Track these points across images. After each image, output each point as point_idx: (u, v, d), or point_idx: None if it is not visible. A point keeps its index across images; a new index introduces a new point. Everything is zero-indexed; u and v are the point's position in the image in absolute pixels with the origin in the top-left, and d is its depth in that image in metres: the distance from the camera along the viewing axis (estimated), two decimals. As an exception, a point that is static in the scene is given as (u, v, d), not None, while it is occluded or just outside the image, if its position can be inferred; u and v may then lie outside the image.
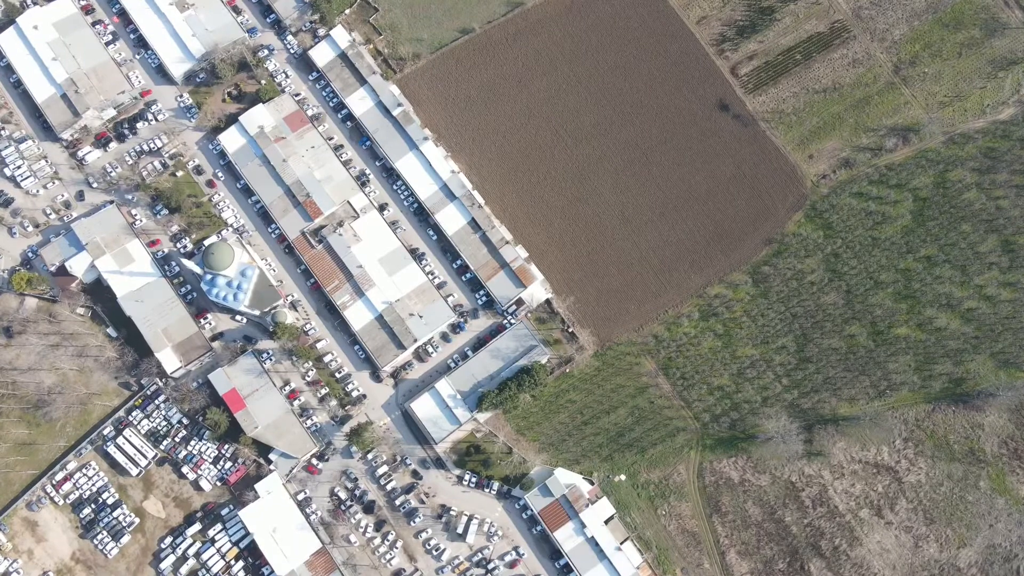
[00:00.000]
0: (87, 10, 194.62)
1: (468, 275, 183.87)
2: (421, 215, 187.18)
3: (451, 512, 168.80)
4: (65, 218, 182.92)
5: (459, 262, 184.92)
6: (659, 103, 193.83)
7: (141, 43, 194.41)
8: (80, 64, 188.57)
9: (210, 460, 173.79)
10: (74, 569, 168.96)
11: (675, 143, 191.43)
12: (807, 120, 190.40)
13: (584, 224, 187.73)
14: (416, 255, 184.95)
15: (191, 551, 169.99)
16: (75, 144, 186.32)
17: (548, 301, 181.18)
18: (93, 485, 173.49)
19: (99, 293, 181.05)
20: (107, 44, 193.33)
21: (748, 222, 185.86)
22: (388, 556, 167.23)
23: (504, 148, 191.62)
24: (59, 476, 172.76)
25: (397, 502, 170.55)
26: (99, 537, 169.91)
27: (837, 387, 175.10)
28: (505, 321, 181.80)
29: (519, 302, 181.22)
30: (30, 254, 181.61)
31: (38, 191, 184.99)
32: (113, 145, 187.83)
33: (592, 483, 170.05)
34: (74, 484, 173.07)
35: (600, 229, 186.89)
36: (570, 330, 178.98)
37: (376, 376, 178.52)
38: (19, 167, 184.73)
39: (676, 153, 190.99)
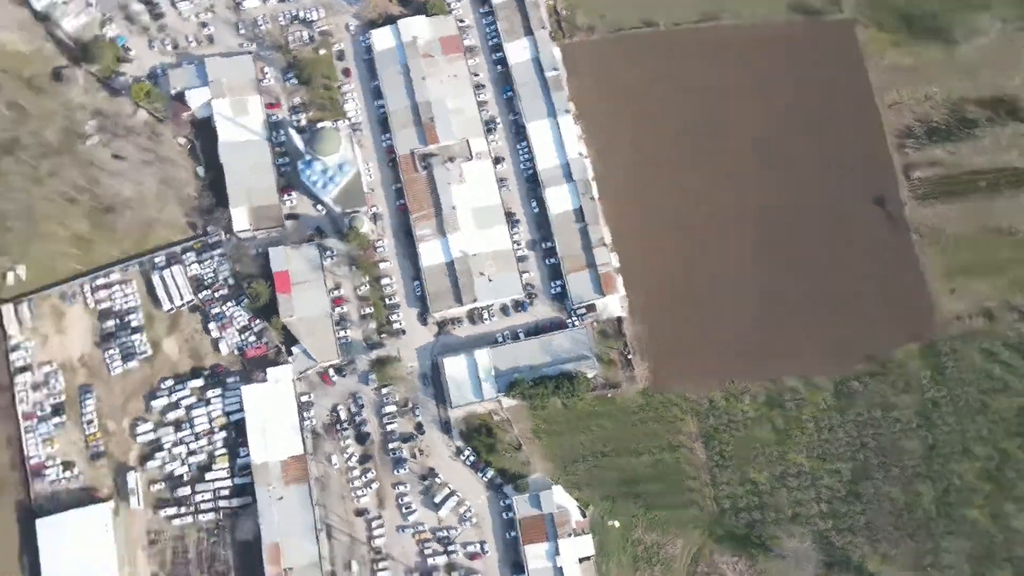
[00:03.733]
0: None
1: (552, 260, 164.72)
2: (532, 183, 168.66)
3: (436, 479, 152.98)
4: (204, 51, 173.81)
5: (549, 244, 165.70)
6: (813, 169, 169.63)
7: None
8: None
9: (237, 327, 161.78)
10: (77, 371, 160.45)
11: (812, 214, 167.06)
12: (965, 252, 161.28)
13: (685, 259, 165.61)
14: (511, 219, 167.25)
15: (184, 402, 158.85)
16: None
17: (619, 319, 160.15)
18: (125, 303, 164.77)
19: (204, 131, 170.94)
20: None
21: (857, 329, 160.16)
22: (360, 492, 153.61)
23: (639, 152, 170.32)
24: (100, 281, 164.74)
25: (390, 446, 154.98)
26: (111, 352, 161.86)
27: (877, 538, 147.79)
28: (569, 320, 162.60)
29: (591, 307, 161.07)
30: (159, 71, 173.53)
31: (189, 17, 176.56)
32: (273, 1, 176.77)
33: (584, 515, 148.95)
34: (110, 295, 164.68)
35: (702, 275, 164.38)
36: (629, 356, 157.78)
37: (423, 318, 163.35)
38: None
39: (809, 225, 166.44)
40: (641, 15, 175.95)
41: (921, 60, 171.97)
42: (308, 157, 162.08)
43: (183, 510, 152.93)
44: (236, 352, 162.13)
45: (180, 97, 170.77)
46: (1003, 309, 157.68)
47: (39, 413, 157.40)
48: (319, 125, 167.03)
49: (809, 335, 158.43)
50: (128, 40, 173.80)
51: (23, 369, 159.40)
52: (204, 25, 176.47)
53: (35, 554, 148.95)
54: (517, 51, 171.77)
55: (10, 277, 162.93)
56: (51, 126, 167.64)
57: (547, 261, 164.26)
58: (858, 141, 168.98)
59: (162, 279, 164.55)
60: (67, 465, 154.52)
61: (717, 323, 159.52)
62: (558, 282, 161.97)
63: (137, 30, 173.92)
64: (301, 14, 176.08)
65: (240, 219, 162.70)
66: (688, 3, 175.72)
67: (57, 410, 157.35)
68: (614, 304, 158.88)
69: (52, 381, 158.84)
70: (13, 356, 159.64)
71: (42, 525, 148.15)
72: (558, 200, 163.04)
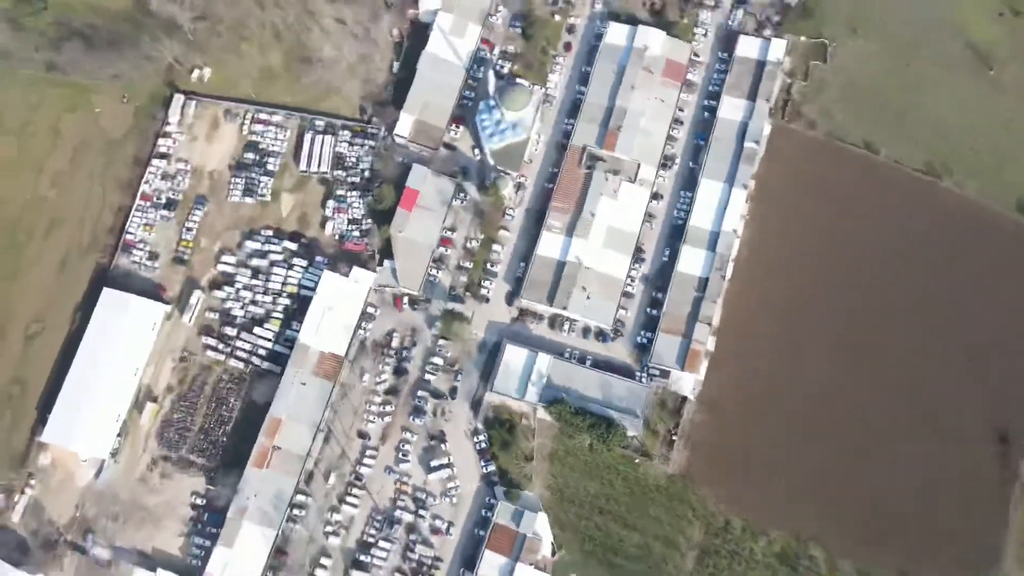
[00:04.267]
0: None
1: (654, 311, 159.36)
2: (675, 234, 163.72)
3: (442, 445, 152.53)
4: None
5: (659, 295, 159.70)
6: (951, 371, 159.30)
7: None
8: None
9: (349, 217, 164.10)
10: (203, 178, 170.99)
11: (927, 414, 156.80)
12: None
13: (777, 385, 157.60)
14: (638, 254, 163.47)
15: (272, 256, 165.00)
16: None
17: (684, 399, 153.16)
18: (272, 145, 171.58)
19: (418, 34, 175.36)
20: None
21: (907, 544, 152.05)
22: (371, 417, 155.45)
23: (790, 261, 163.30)
24: (263, 116, 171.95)
25: (419, 393, 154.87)
26: (237, 180, 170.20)
27: None
28: (638, 373, 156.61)
29: (664, 373, 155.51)
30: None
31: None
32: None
33: (554, 554, 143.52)
34: (264, 131, 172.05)
35: (785, 403, 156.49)
36: (674, 438, 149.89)
37: (511, 299, 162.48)
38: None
39: (919, 422, 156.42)
40: (867, 135, 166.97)
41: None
42: (492, 103, 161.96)
43: (221, 346, 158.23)
44: (337, 238, 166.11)
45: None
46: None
47: (155, 199, 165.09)
48: (517, 80, 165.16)
49: (855, 518, 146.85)
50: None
51: (163, 156, 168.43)
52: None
53: (88, 315, 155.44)
54: (731, 108, 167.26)
55: (196, 74, 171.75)
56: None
57: (648, 310, 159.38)
58: (1016, 375, 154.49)
59: (312, 141, 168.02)
60: (153, 255, 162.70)
61: (775, 458, 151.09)
62: (648, 334, 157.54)
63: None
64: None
65: (405, 125, 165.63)
66: (919, 148, 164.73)
67: (170, 204, 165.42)
68: (688, 383, 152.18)
69: (179, 178, 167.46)
70: (160, 141, 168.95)
71: (106, 294, 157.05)
72: (691, 261, 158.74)
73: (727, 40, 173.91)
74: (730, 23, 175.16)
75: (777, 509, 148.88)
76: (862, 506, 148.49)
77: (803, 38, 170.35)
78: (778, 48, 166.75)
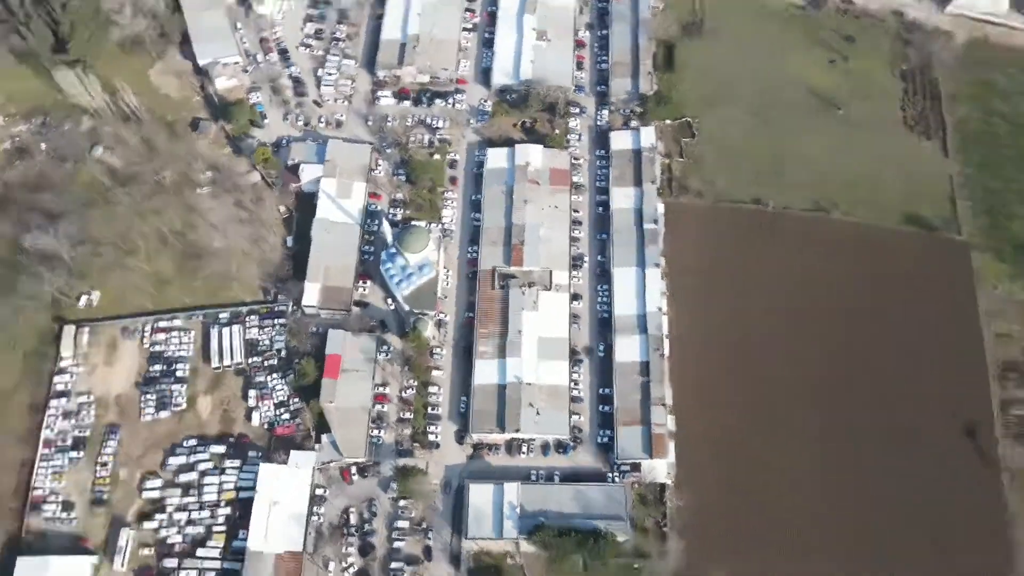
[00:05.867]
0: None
1: (606, 408, 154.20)
2: (604, 327, 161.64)
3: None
4: (329, 133, 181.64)
5: (607, 391, 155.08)
6: (903, 387, 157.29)
7: (488, 43, 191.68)
8: (433, 30, 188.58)
9: (275, 401, 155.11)
10: (109, 406, 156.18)
11: (895, 436, 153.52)
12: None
13: (748, 445, 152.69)
14: (574, 357, 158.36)
15: (201, 466, 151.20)
16: (381, 85, 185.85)
17: (663, 487, 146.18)
18: (178, 351, 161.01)
19: (306, 204, 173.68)
20: (464, 29, 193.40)
21: (920, 567, 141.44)
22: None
23: (719, 323, 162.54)
24: (163, 324, 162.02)
25: (392, 566, 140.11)
26: (148, 397, 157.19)
27: None
28: (609, 474, 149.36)
29: (635, 467, 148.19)
30: (284, 141, 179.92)
31: (328, 101, 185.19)
32: (407, 104, 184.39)
33: None
34: (167, 339, 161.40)
35: (762, 461, 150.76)
36: (665, 529, 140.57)
37: (461, 437, 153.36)
38: (331, 75, 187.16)
39: (888, 445, 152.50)
40: (753, 192, 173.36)
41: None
42: (393, 251, 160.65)
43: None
44: (266, 426, 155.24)
45: (294, 169, 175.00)
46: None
47: (60, 443, 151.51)
48: (412, 223, 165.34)
49: (862, 560, 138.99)
50: (266, 109, 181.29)
51: (62, 394, 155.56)
52: (336, 112, 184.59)
53: None
54: (622, 198, 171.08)
55: (83, 301, 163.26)
56: (171, 168, 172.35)
57: (601, 408, 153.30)
58: (956, 365, 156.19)
59: (220, 335, 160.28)
60: (67, 505, 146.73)
61: (766, 523, 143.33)
62: (607, 432, 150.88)
63: (278, 102, 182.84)
64: (428, 120, 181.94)
65: (311, 294, 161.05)
66: (803, 191, 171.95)
67: (78, 444, 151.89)
68: (661, 469, 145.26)
69: (83, 412, 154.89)
70: (57, 379, 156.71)
71: (22, 565, 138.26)
72: (627, 349, 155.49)
73: (600, 139, 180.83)
74: (599, 123, 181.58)
75: (788, 565, 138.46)
76: (864, 539, 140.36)
77: (668, 121, 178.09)
78: (648, 135, 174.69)
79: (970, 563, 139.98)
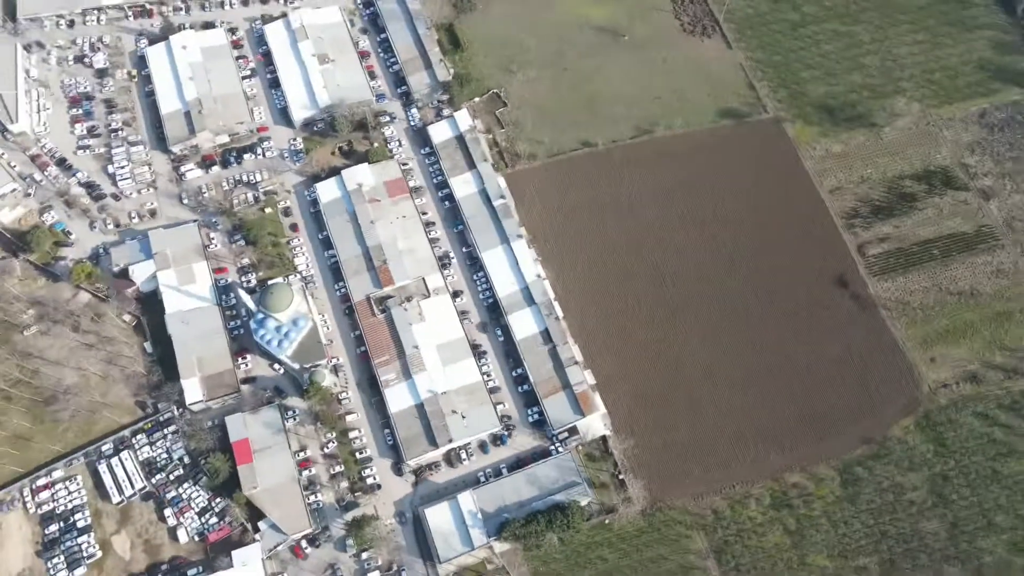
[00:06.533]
0: (236, 44, 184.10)
1: (526, 387, 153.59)
2: (494, 312, 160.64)
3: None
4: (147, 225, 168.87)
5: (520, 371, 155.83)
6: (771, 262, 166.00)
7: (274, 83, 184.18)
8: (212, 89, 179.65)
9: (196, 510, 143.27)
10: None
11: (781, 307, 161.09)
12: (935, 320, 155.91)
13: (663, 369, 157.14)
14: (477, 351, 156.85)
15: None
16: (181, 159, 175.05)
17: (604, 438, 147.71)
18: (71, 501, 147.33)
19: (151, 305, 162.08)
20: (243, 78, 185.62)
21: (848, 412, 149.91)
22: None
23: (596, 268, 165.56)
24: (41, 481, 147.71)
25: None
26: (55, 560, 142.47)
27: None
28: (552, 447, 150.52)
29: (573, 430, 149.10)
30: (101, 251, 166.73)
31: (131, 194, 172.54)
32: (215, 169, 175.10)
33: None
34: (53, 494, 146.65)
35: (679, 378, 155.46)
36: (621, 477, 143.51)
37: (398, 468, 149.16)
38: (123, 167, 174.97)
39: (780, 318, 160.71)
40: (578, 137, 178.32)
41: (851, 146, 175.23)
42: (260, 316, 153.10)
43: None
44: (197, 538, 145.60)
45: (124, 274, 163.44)
46: (986, 370, 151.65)
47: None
48: (270, 283, 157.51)
49: (800, 426, 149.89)
50: (68, 225, 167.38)
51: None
52: (145, 202, 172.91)
53: None
54: (462, 185, 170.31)
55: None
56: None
57: (520, 388, 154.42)
58: (808, 228, 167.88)
59: (110, 468, 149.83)
60: None
61: (705, 427, 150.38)
62: (535, 409, 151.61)
63: (77, 213, 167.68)
64: (244, 177, 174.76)
65: (192, 390, 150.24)
66: (622, 121, 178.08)
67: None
68: (596, 423, 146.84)
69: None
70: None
71: None
72: (523, 325, 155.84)
73: (420, 137, 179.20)
74: (412, 123, 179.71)
75: (737, 470, 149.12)
76: (789, 411, 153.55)
77: (476, 99, 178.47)
78: (463, 118, 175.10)
79: (886, 393, 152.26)
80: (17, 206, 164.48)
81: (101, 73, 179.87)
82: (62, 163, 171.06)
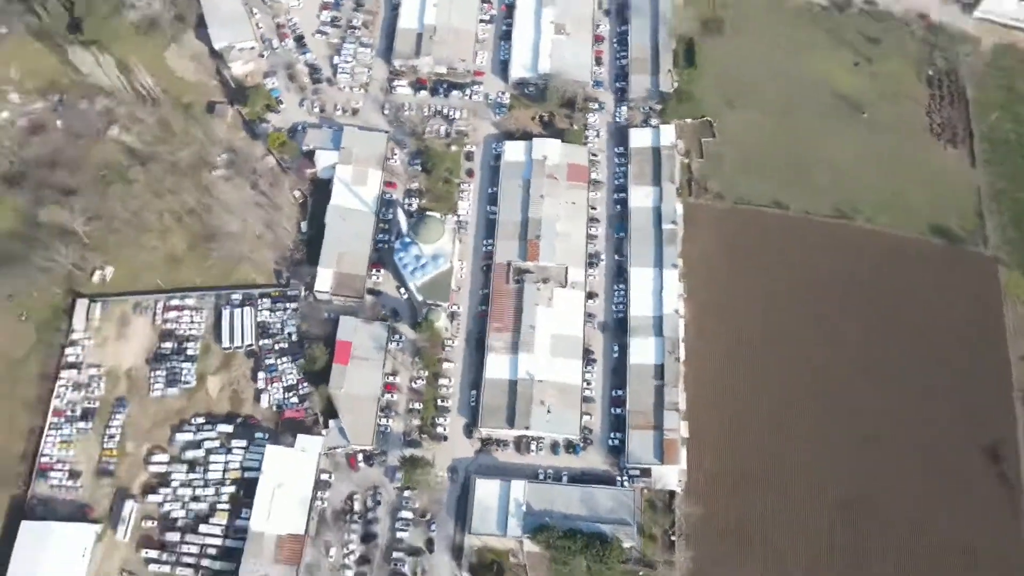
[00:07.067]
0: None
1: (618, 411, 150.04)
2: (619, 328, 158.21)
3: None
4: (345, 121, 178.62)
5: (620, 393, 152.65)
6: (920, 398, 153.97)
7: (506, 36, 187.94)
8: (450, 20, 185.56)
9: (284, 384, 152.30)
10: (120, 381, 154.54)
11: (911, 446, 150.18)
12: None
13: (763, 454, 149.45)
14: (588, 356, 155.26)
15: (207, 444, 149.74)
16: (398, 74, 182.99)
17: (672, 494, 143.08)
18: (189, 329, 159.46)
19: (321, 191, 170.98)
20: (480, 21, 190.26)
21: None
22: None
23: (735, 330, 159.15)
24: (174, 302, 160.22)
25: (394, 555, 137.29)
26: (158, 373, 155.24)
27: None
28: (619, 478, 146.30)
29: (646, 472, 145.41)
30: (299, 127, 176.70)
31: (345, 88, 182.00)
32: (423, 94, 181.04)
33: None
34: (178, 317, 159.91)
35: (777, 471, 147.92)
36: (673, 538, 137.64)
37: (469, 431, 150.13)
38: (347, 62, 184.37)
39: (907, 457, 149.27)
40: (773, 195, 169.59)
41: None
42: (407, 240, 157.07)
43: (165, 556, 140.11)
44: (275, 408, 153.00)
45: (310, 155, 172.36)
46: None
47: (69, 413, 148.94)
48: (428, 213, 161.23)
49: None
50: (282, 94, 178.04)
51: (72, 366, 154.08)
52: (352, 99, 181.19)
53: (7, 554, 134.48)
54: (640, 196, 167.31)
55: (97, 276, 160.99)
56: (188, 149, 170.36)
57: (612, 409, 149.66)
58: (980, 385, 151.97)
59: (231, 316, 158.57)
60: (74, 474, 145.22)
61: (782, 530, 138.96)
62: (618, 435, 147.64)
63: (294, 88, 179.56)
64: (445, 110, 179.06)
65: (324, 280, 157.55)
66: (824, 196, 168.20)
67: (86, 415, 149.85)
68: (671, 476, 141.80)
69: (93, 385, 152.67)
70: (68, 351, 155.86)
71: (25, 529, 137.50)
72: (642, 351, 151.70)
73: (619, 136, 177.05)
74: (618, 120, 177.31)
75: None
76: (879, 558, 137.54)
77: (688, 120, 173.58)
78: (668, 133, 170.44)
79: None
80: (249, 62, 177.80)
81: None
82: (299, 40, 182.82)
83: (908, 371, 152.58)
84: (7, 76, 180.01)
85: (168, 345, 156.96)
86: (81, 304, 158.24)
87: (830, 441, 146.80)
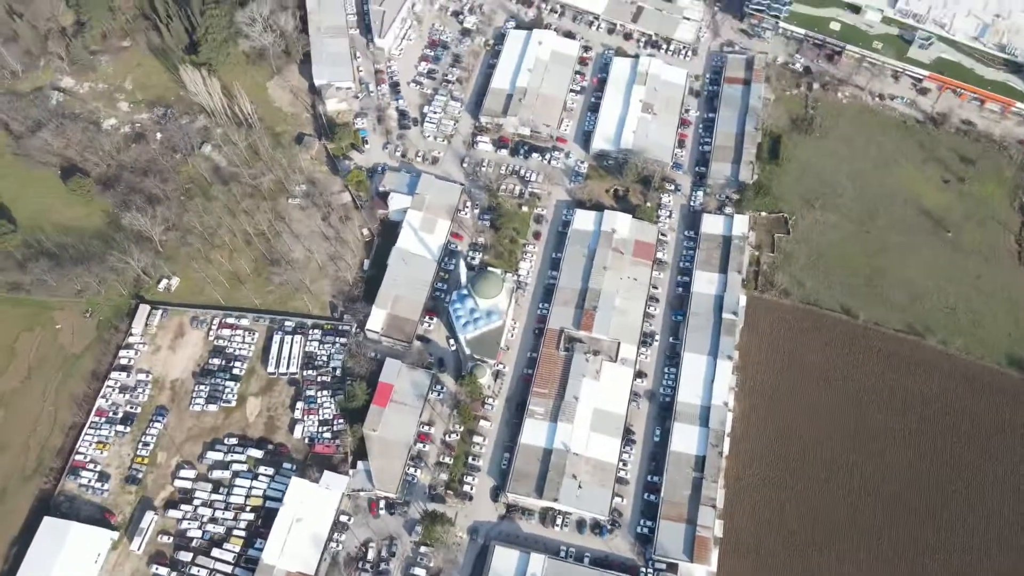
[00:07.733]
0: (582, 61, 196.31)
1: (652, 497, 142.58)
2: (664, 412, 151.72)
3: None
4: (424, 168, 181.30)
5: (655, 479, 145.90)
6: (976, 535, 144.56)
7: (594, 107, 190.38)
8: (542, 86, 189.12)
9: (319, 418, 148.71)
10: (163, 390, 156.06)
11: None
12: None
13: (798, 566, 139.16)
14: (628, 436, 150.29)
15: (235, 467, 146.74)
16: (482, 131, 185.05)
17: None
18: (239, 349, 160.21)
19: (389, 231, 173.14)
20: (571, 91, 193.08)
21: None
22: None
23: (786, 436, 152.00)
24: (230, 320, 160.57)
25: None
26: (202, 387, 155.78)
27: None
28: (643, 570, 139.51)
29: (672, 567, 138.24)
30: (379, 169, 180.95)
31: (429, 137, 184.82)
32: (504, 152, 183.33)
33: None
34: (231, 336, 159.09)
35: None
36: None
37: (496, 494, 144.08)
38: (436, 113, 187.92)
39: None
40: (842, 301, 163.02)
41: None
42: (464, 292, 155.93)
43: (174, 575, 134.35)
44: (306, 441, 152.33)
45: (384, 196, 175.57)
46: None
47: (111, 414, 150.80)
48: (489, 269, 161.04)
49: None
50: (369, 135, 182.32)
51: (123, 368, 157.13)
52: (434, 149, 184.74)
53: (24, 547, 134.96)
54: (704, 283, 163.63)
55: (163, 284, 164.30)
56: (270, 175, 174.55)
57: (646, 495, 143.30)
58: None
59: (281, 342, 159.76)
60: (103, 476, 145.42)
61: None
62: (648, 523, 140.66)
63: (381, 131, 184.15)
64: (522, 171, 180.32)
65: (376, 320, 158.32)
66: (897, 311, 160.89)
67: (126, 419, 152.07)
68: (700, 575, 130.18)
69: (139, 390, 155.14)
70: (122, 352, 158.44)
71: (46, 524, 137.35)
72: (684, 439, 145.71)
73: (691, 219, 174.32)
74: (692, 204, 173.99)
75: None
76: None
77: (763, 213, 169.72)
78: (742, 223, 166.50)
79: None
80: (343, 101, 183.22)
81: (465, 32, 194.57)
82: (394, 86, 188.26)
83: (966, 508, 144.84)
84: (122, 86, 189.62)
85: (216, 361, 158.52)
86: (143, 309, 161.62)
87: (868, 556, 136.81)
